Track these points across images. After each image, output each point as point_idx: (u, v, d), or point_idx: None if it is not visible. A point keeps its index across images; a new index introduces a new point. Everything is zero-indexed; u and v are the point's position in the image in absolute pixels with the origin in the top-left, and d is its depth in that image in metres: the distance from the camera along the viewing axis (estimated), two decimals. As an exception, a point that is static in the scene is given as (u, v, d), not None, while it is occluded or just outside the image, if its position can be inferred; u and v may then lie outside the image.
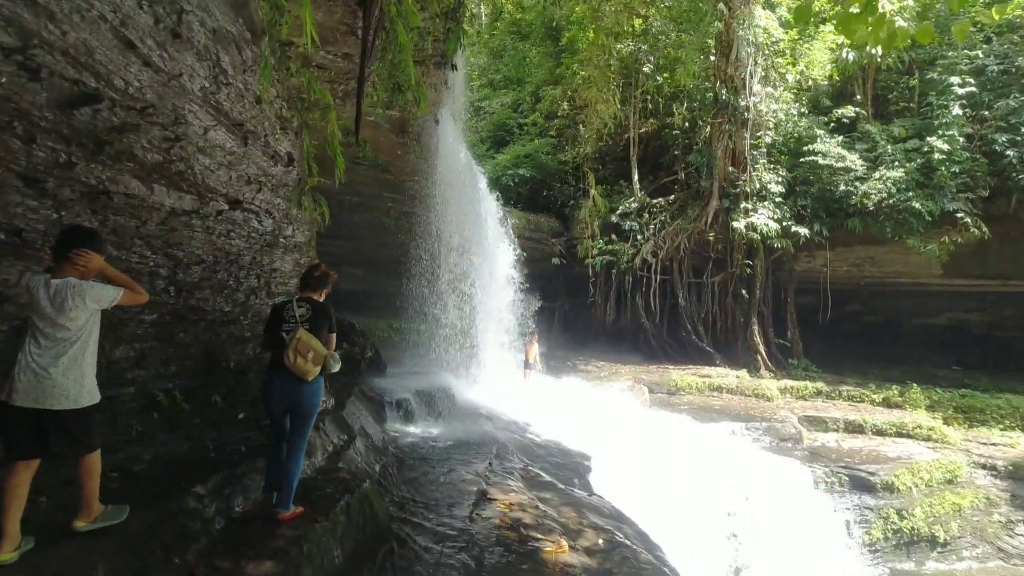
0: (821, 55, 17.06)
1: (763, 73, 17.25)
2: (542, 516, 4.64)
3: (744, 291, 17.11)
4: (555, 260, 20.35)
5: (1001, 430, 12.60)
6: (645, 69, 18.00)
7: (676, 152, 19.83)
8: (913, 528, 9.12)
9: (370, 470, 4.91)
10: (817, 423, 12.30)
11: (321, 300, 3.89)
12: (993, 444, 11.86)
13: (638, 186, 19.82)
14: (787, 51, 17.54)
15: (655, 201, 19.33)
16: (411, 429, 7.09)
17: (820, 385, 14.80)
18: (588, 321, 20.00)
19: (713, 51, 18.16)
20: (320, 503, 3.60)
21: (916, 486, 9.64)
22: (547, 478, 5.94)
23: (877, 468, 9.81)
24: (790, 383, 15.03)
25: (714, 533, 8.00)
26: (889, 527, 9.07)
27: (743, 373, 15.79)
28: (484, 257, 12.42)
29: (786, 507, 8.58)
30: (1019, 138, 14.24)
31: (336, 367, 3.67)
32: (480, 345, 11.75)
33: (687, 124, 19.76)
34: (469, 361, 11.43)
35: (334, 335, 3.80)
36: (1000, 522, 9.70)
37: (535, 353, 12.39)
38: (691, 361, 17.13)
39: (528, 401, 10.56)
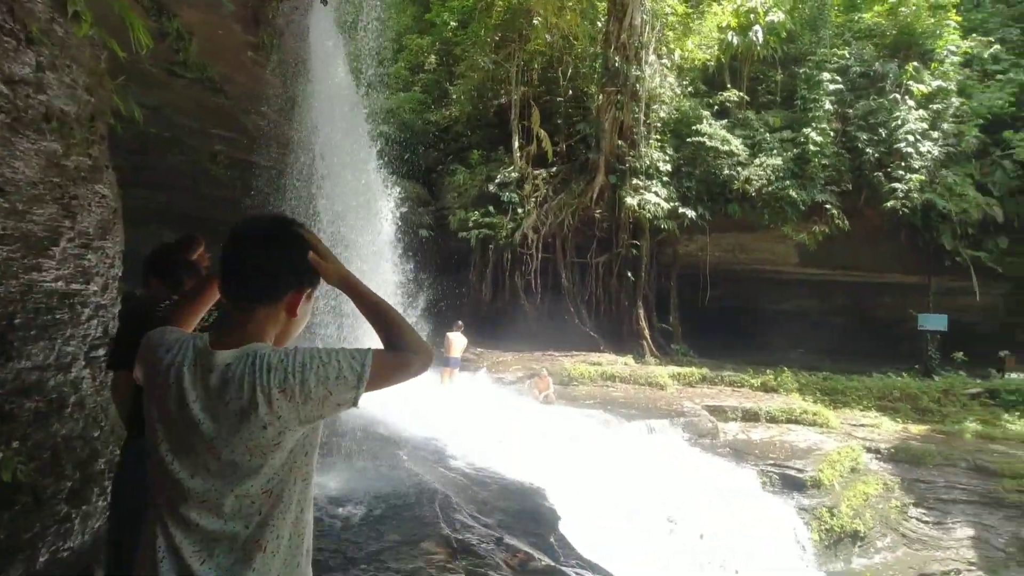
0: (708, 37, 16.76)
1: (654, 44, 16.47)
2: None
3: (629, 273, 16.34)
4: (423, 231, 17.78)
5: (861, 411, 13.31)
6: (535, 21, 16.12)
7: (559, 121, 18.38)
8: (841, 526, 8.71)
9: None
10: (719, 413, 11.71)
11: None
12: (863, 425, 12.35)
13: (518, 154, 18.01)
14: (677, 25, 16.97)
15: (537, 172, 17.72)
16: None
17: (705, 371, 14.56)
18: (462, 301, 17.83)
19: (603, 15, 16.99)
20: None
21: (836, 480, 9.32)
22: (544, 560, 3.74)
23: (803, 464, 9.31)
24: (677, 369, 14.59)
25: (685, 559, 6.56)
26: (823, 527, 8.54)
27: (630, 359, 15.01)
28: (367, 227, 9.51)
29: (743, 519, 7.48)
30: (876, 138, 15.23)
31: None
32: (360, 330, 8.91)
33: (571, 92, 18.42)
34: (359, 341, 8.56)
35: None
36: (897, 507, 9.81)
37: (460, 348, 9.97)
38: (574, 346, 15.95)
39: (429, 406, 8.13)
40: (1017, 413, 12.90)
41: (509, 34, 17.85)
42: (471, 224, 17.17)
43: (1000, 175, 15.83)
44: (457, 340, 10.92)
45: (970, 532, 9.57)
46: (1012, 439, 11.82)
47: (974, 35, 16.09)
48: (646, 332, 15.91)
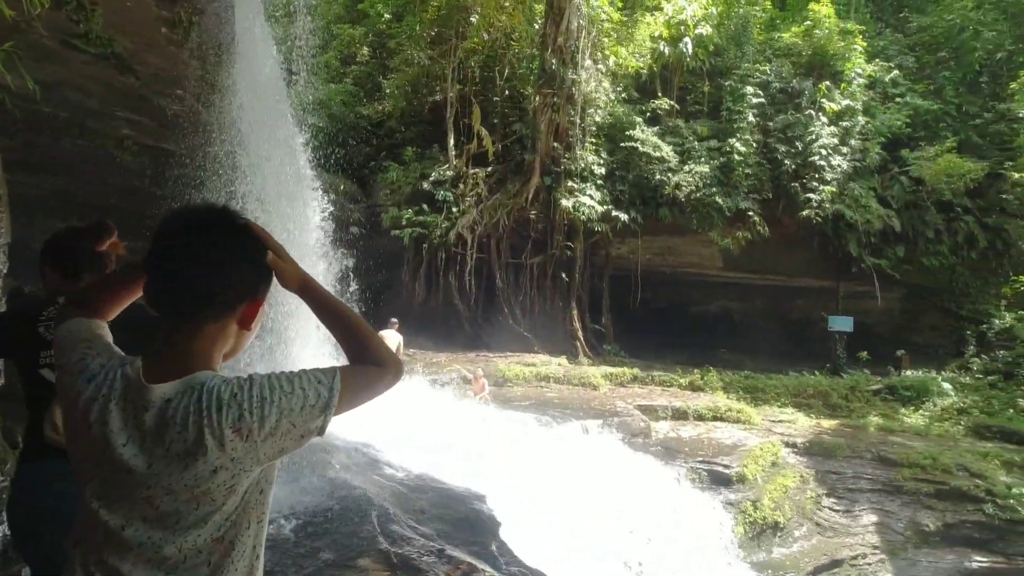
0: (641, 45, 17.23)
1: (590, 50, 16.73)
2: None
3: (563, 274, 16.50)
4: (354, 229, 17.18)
5: (779, 407, 14.11)
6: (473, 19, 15.95)
7: (495, 121, 18.30)
8: (763, 518, 9.12)
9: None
10: (650, 412, 12.03)
11: None
12: (781, 421, 13.09)
13: (454, 152, 17.77)
14: (612, 32, 17.32)
15: (472, 171, 17.54)
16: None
17: (636, 371, 14.93)
18: (393, 300, 17.36)
19: (540, 17, 17.07)
20: None
21: (759, 474, 9.76)
22: (487, 570, 3.60)
23: (729, 460, 9.68)
24: (609, 370, 14.87)
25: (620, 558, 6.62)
26: (747, 520, 8.90)
27: (563, 360, 15.14)
28: (293, 222, 8.99)
29: (675, 516, 7.67)
30: (793, 150, 16.21)
31: None
32: (286, 332, 8.41)
33: (507, 92, 18.39)
34: (271, 354, 8.04)
35: None
36: (812, 497, 10.42)
37: (394, 346, 9.56)
38: (508, 347, 15.91)
39: (361, 409, 7.80)
40: (912, 407, 14.13)
41: (446, 31, 17.59)
42: (404, 222, 16.77)
43: (898, 189, 17.30)
44: (392, 338, 10.55)
45: (874, 518, 10.31)
46: (908, 431, 12.93)
47: (877, 60, 17.49)
48: (579, 333, 16.13)
